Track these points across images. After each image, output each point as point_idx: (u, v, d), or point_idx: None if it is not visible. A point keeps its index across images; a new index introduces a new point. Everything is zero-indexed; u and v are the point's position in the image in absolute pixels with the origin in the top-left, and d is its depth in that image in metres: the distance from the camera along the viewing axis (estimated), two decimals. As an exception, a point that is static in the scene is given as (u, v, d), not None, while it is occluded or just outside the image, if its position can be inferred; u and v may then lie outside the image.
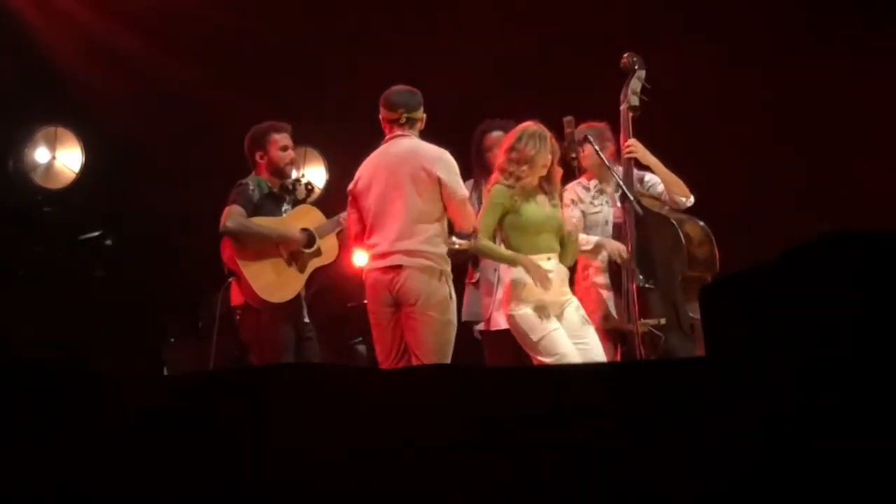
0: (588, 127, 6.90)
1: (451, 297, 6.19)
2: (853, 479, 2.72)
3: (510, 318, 6.26)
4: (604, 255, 6.72)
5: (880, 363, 2.81)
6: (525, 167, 6.24)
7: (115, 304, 8.57)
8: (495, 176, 6.35)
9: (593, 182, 6.88)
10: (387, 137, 6.33)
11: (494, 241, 6.30)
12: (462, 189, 6.21)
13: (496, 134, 6.82)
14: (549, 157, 6.30)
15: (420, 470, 2.95)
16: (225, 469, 3.02)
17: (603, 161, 6.65)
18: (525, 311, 6.19)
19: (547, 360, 6.14)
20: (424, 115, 6.33)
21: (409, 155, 6.20)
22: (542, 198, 6.35)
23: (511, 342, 6.39)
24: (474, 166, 6.86)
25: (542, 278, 6.17)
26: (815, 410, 2.81)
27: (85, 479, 3.03)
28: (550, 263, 6.28)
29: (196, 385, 3.40)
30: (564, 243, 6.39)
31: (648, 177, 6.88)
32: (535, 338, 6.17)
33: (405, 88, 6.36)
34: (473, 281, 7.01)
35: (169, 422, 3.13)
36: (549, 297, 6.23)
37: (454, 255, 6.83)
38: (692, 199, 6.79)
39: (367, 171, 6.31)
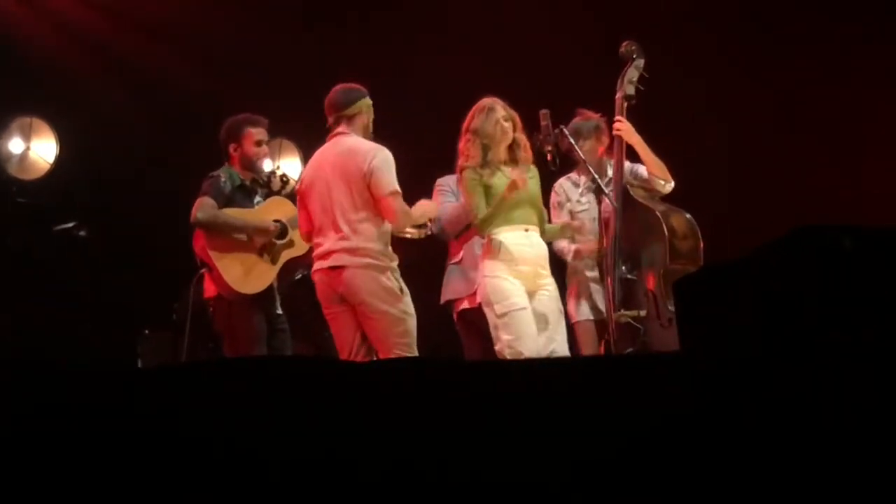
0: (583, 119, 6.92)
1: (401, 290, 6.14)
2: (835, 468, 2.73)
3: (483, 281, 6.24)
4: (587, 258, 6.75)
5: (854, 357, 2.82)
6: (478, 142, 6.26)
7: (88, 295, 8.54)
8: (460, 162, 6.35)
9: (583, 178, 6.87)
10: (328, 137, 6.34)
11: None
12: (391, 184, 6.12)
13: None
14: (504, 125, 6.30)
15: (406, 463, 2.95)
16: (203, 464, 3.01)
17: (579, 155, 6.65)
18: (499, 279, 6.19)
19: (504, 336, 6.14)
20: (364, 108, 6.29)
21: (347, 154, 6.20)
22: (511, 170, 6.34)
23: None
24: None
25: (519, 182, 6.18)
26: (787, 404, 2.81)
27: (58, 475, 3.02)
28: (528, 237, 6.28)
29: (173, 378, 3.39)
30: (542, 218, 6.43)
31: (637, 166, 6.90)
32: (499, 310, 6.16)
33: (340, 87, 6.34)
34: (456, 261, 6.97)
35: (143, 415, 3.12)
36: (526, 269, 6.23)
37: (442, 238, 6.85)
38: (672, 184, 6.79)
39: (310, 171, 6.33)
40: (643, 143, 6.75)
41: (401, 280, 6.18)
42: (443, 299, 6.91)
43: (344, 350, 6.23)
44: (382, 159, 6.14)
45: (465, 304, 6.80)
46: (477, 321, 6.65)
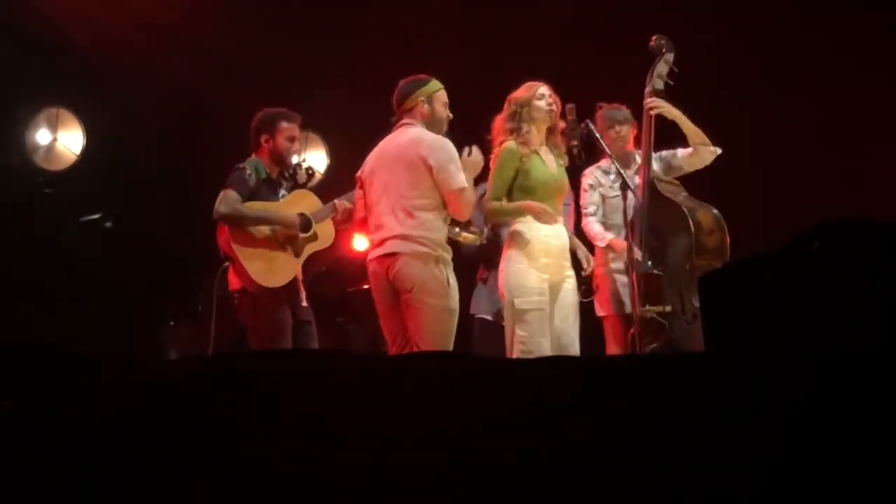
0: (612, 108, 6.94)
1: (448, 283, 6.09)
2: (851, 470, 2.72)
3: (508, 269, 6.24)
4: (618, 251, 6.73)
5: (879, 353, 2.81)
6: (524, 118, 6.27)
7: (113, 286, 8.57)
8: (501, 137, 6.33)
9: (613, 166, 6.87)
10: (394, 126, 6.34)
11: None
12: (457, 179, 6.10)
13: None
14: (551, 105, 6.31)
15: (427, 456, 2.95)
16: (227, 457, 3.01)
17: (602, 147, 6.63)
18: (525, 272, 6.18)
19: (518, 331, 6.14)
20: (426, 99, 6.25)
21: (409, 144, 6.18)
22: (548, 155, 6.36)
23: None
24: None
25: (547, 216, 6.19)
26: (814, 402, 2.80)
27: (81, 467, 3.03)
28: (555, 228, 6.28)
29: (198, 370, 3.40)
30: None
31: (669, 152, 6.91)
32: (519, 305, 6.17)
33: (402, 82, 6.33)
34: (483, 277, 7.06)
35: (167, 406, 3.12)
36: (552, 261, 6.23)
37: (474, 250, 6.89)
38: (718, 149, 6.80)
39: (373, 158, 6.31)
40: (683, 116, 6.76)
41: (450, 273, 6.15)
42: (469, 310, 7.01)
43: (392, 344, 6.22)
44: (448, 151, 6.13)
45: (489, 317, 6.92)
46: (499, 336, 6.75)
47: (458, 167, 6.13)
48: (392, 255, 6.10)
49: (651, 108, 6.72)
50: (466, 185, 6.14)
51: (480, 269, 7.21)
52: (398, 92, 6.31)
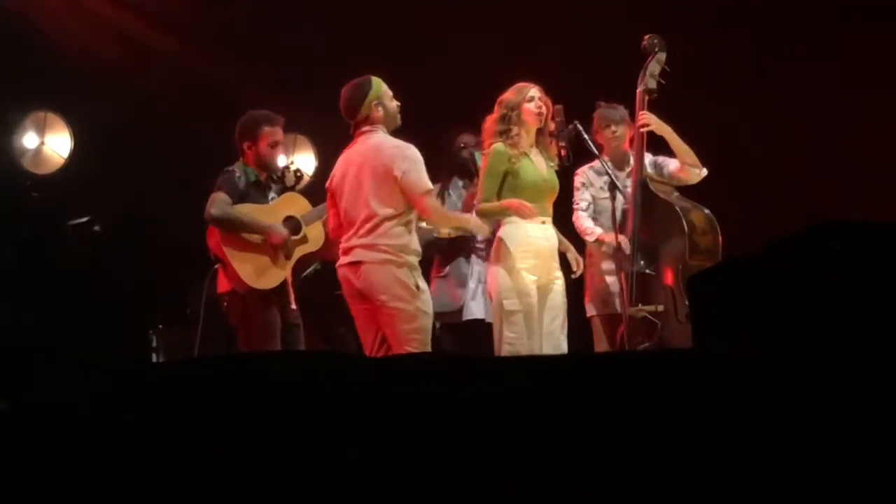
0: (608, 107, 6.96)
1: (417, 287, 6.13)
2: (840, 470, 2.73)
3: (497, 270, 6.25)
4: (607, 245, 6.72)
5: (865, 353, 2.82)
6: (514, 117, 6.28)
7: (102, 289, 8.55)
8: (490, 139, 6.35)
9: (604, 167, 6.87)
10: (355, 135, 6.32)
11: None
12: (423, 182, 6.12)
13: (468, 136, 6.93)
14: (541, 106, 6.31)
15: (415, 458, 2.95)
16: (217, 459, 3.01)
17: (591, 148, 6.62)
18: (514, 273, 6.19)
19: (506, 332, 6.16)
20: (373, 100, 6.22)
21: (373, 153, 6.19)
22: (538, 157, 6.36)
23: (482, 334, 6.44)
24: (444, 170, 6.89)
25: (529, 212, 6.18)
26: (804, 402, 2.81)
27: (70, 471, 3.03)
28: (544, 229, 6.28)
29: (186, 373, 3.40)
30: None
31: (662, 159, 6.92)
32: (507, 306, 6.18)
33: (347, 89, 6.30)
34: (441, 275, 7.09)
35: (155, 410, 3.12)
36: (541, 262, 6.23)
37: (448, 242, 6.90)
38: (705, 170, 6.82)
39: (339, 168, 6.33)
40: (673, 133, 6.77)
41: (419, 277, 6.17)
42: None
43: (366, 349, 6.26)
44: (412, 160, 6.13)
45: (451, 319, 6.95)
46: (465, 333, 6.75)
47: (421, 171, 6.14)
48: (357, 263, 6.13)
49: (642, 125, 6.73)
50: (431, 187, 6.18)
51: (436, 265, 7.21)
52: (347, 103, 6.28)
